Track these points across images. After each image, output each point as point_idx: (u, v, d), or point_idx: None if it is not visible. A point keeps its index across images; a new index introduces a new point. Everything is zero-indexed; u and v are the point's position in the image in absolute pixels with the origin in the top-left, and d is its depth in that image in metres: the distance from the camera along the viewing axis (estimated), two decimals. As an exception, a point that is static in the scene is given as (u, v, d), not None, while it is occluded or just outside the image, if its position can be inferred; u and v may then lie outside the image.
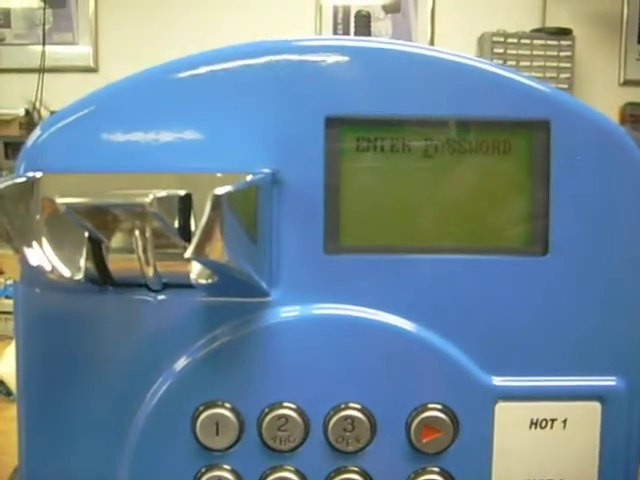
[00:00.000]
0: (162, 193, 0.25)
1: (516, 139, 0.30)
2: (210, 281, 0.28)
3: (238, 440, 0.30)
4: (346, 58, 0.30)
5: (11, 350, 0.61)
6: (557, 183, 0.30)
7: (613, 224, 0.30)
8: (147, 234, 0.26)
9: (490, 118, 0.30)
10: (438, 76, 0.30)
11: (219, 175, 0.29)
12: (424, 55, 0.31)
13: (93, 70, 2.22)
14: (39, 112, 2.03)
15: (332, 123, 0.30)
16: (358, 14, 1.12)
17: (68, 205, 0.25)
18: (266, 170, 0.30)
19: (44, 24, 2.15)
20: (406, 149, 0.30)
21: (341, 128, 0.30)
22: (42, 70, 2.08)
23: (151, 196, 0.24)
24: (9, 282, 1.03)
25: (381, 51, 0.30)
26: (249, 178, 0.28)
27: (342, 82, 0.30)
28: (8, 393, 0.71)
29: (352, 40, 0.31)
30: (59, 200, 0.25)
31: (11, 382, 0.67)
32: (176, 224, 0.26)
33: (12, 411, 0.32)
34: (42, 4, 2.14)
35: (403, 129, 0.30)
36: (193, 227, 0.27)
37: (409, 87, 0.30)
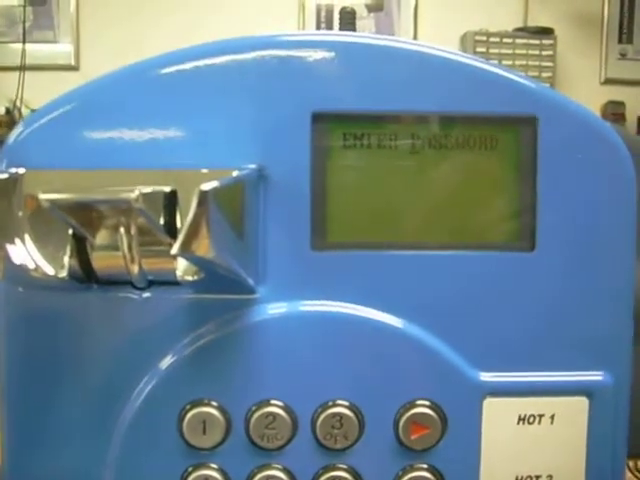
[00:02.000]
0: (147, 189, 0.25)
1: (503, 135, 0.30)
2: (196, 278, 0.27)
3: (225, 439, 0.30)
4: (332, 54, 0.30)
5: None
6: (544, 179, 0.30)
7: (600, 220, 0.30)
8: (132, 231, 0.26)
9: (477, 114, 0.30)
10: (425, 72, 0.30)
11: (205, 171, 0.29)
12: (411, 51, 0.30)
13: (74, 68, 2.21)
14: (20, 110, 2.02)
15: (319, 119, 0.30)
16: (343, 10, 1.11)
17: (52, 201, 0.25)
18: (252, 166, 0.29)
19: (24, 22, 2.13)
20: (393, 145, 0.30)
21: (328, 124, 0.30)
22: (23, 68, 2.07)
23: (136, 192, 0.24)
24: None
25: (368, 46, 0.30)
26: (235, 174, 0.28)
27: (329, 78, 0.30)
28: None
29: (339, 35, 0.31)
30: (42, 196, 0.24)
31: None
32: (161, 220, 0.26)
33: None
34: (22, 2, 2.13)
35: (390, 125, 0.30)
36: (179, 224, 0.27)
37: (396, 83, 0.30)
